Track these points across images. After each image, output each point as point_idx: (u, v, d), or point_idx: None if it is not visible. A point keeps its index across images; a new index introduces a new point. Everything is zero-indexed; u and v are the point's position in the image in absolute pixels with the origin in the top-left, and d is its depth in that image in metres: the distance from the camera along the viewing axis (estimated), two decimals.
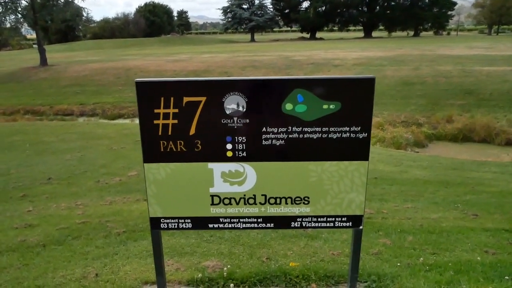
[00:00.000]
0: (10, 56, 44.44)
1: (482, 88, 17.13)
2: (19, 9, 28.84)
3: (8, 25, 30.62)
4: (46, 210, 4.96)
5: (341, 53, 28.68)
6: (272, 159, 2.07)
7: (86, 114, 20.09)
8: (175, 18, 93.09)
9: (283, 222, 2.18)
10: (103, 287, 2.69)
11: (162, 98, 1.98)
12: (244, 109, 1.99)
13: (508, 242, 3.50)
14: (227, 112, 1.99)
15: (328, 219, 2.17)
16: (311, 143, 2.03)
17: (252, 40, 67.45)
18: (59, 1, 30.12)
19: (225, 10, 72.33)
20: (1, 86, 24.86)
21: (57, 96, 22.58)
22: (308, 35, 69.55)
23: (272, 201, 2.14)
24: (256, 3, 70.78)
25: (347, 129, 2.02)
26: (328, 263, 2.96)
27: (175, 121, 2.01)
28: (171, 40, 65.46)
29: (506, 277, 2.67)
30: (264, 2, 71.15)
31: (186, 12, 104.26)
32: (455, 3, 63.48)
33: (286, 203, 2.14)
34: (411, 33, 66.59)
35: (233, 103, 1.98)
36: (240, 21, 70.61)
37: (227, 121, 2.00)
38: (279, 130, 2.02)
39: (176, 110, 1.99)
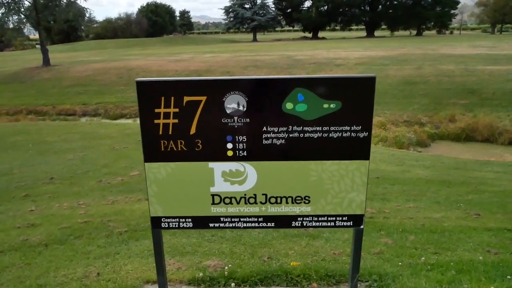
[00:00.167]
0: (13, 57, 44.64)
1: (485, 88, 17.06)
2: (22, 9, 28.94)
3: (11, 26, 30.72)
4: (48, 209, 4.98)
5: (343, 53, 28.64)
6: (273, 159, 2.07)
7: (89, 114, 20.13)
8: (177, 18, 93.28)
9: (283, 222, 2.18)
10: (105, 286, 2.70)
11: (163, 98, 1.98)
12: (245, 109, 1.99)
13: (511, 242, 3.48)
14: (228, 111, 1.99)
15: (329, 219, 2.17)
16: (311, 142, 2.03)
17: (254, 39, 67.47)
18: (61, 2, 30.19)
19: (227, 10, 72.37)
20: (4, 87, 24.97)
21: (59, 96, 22.65)
22: (310, 35, 69.46)
23: (272, 200, 2.14)
24: (258, 3, 70.74)
25: (348, 128, 2.01)
26: (329, 262, 2.96)
27: (176, 121, 2.01)
28: (173, 40, 65.55)
29: (508, 277, 2.65)
30: (266, 1, 71.11)
31: (188, 12, 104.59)
32: (458, 2, 63.23)
33: (287, 203, 2.14)
34: (414, 32, 66.43)
35: (234, 103, 1.98)
36: (242, 20, 70.60)
37: (227, 120, 2.00)
38: (280, 130, 2.02)
39: (177, 110, 1.99)
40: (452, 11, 64.13)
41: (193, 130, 2.02)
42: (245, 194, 2.13)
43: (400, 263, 2.95)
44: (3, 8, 28.05)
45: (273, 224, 2.20)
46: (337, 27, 74.91)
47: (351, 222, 2.18)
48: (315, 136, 2.02)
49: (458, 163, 9.08)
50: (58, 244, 3.60)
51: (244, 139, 2.04)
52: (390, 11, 63.28)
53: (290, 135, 2.02)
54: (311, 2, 66.85)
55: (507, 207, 4.76)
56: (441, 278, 2.66)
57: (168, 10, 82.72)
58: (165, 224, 2.20)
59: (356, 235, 2.21)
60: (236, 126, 2.01)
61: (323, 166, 2.07)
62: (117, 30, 72.72)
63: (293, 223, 2.19)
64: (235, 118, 2.00)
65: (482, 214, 4.46)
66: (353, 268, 2.26)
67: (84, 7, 33.03)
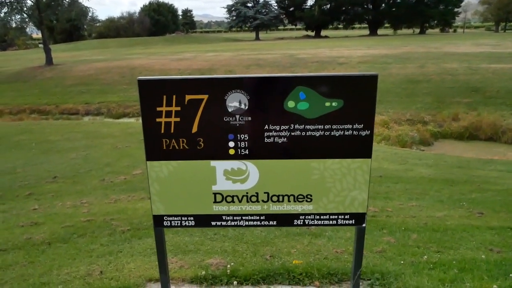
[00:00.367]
0: (16, 56, 44.79)
1: (488, 86, 16.97)
2: (25, 9, 29.02)
3: (14, 25, 30.85)
4: (51, 208, 5.00)
5: (346, 51, 28.57)
6: (275, 157, 2.07)
7: (91, 113, 20.19)
8: (180, 17, 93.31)
9: (285, 220, 2.19)
10: (108, 284, 2.71)
11: (164, 96, 1.98)
12: (246, 107, 1.99)
13: None
14: (229, 110, 1.99)
15: (331, 217, 2.17)
16: (313, 140, 2.03)
17: (257, 38, 67.35)
18: (64, 1, 30.27)
19: (229, 9, 72.27)
20: (8, 86, 25.08)
21: (62, 95, 22.73)
22: (313, 33, 69.29)
23: (274, 198, 2.14)
24: (260, 2, 70.56)
25: (350, 126, 2.01)
26: (331, 261, 2.96)
27: (178, 119, 2.01)
28: (175, 39, 65.55)
29: (511, 275, 2.65)
30: (268, 0, 70.99)
31: (190, 10, 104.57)
32: (461, 0, 62.91)
33: (289, 201, 2.14)
34: (417, 30, 66.13)
35: (235, 101, 1.98)
36: (245, 19, 70.50)
37: (229, 119, 2.00)
38: (281, 128, 2.02)
39: (178, 108, 2.00)
40: (456, 9, 63.75)
41: (195, 129, 2.03)
42: (247, 193, 2.13)
43: (402, 262, 2.95)
44: (6, 7, 28.17)
45: (275, 223, 2.20)
46: (340, 26, 74.73)
47: (353, 221, 2.17)
48: (317, 135, 2.02)
49: (461, 161, 9.05)
50: (61, 243, 3.62)
51: (246, 138, 2.04)
52: (393, 9, 63.00)
53: (292, 134, 2.02)
54: (314, 0, 66.69)
55: (510, 206, 4.74)
56: (443, 276, 2.66)
57: (171, 9, 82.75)
58: (167, 223, 2.21)
59: (358, 234, 2.21)
60: (238, 125, 2.01)
61: (325, 164, 2.07)
62: (119, 29, 72.87)
63: (295, 222, 2.19)
64: (237, 116, 2.00)
65: (485, 213, 4.44)
66: (355, 267, 2.26)
67: (86, 6, 33.04)
